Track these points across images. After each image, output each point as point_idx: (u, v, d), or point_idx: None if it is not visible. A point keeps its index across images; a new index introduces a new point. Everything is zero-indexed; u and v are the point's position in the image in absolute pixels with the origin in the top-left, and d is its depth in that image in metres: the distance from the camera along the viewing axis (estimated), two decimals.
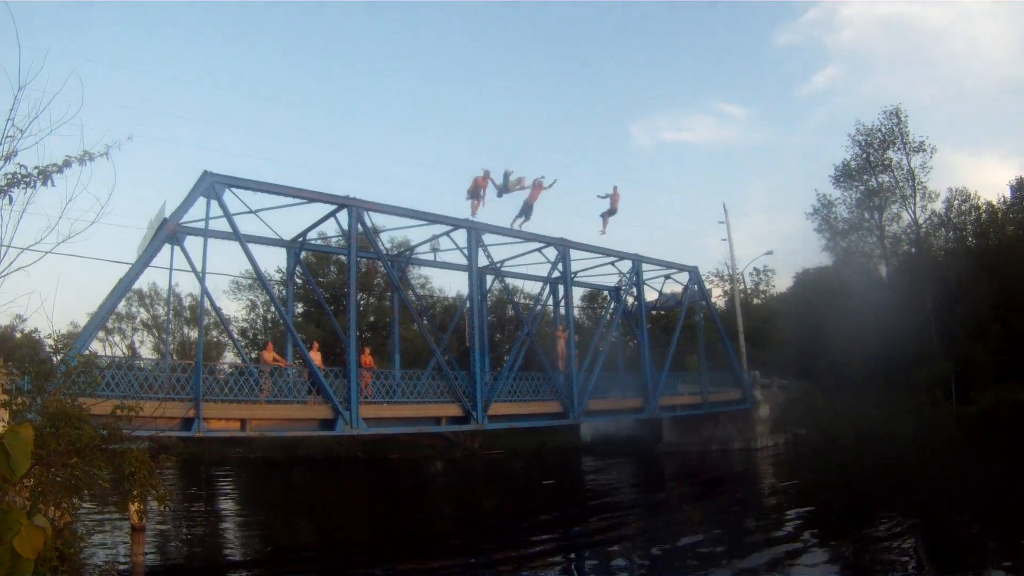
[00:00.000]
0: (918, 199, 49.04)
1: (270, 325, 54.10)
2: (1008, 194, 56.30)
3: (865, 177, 50.49)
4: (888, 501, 21.96)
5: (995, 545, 16.12)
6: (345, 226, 23.86)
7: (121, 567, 14.92)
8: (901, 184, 49.44)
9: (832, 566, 15.44)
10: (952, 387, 42.15)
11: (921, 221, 49.21)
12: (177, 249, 21.28)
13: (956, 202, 50.02)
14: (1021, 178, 56.56)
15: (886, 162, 49.87)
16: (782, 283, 66.85)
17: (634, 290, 34.12)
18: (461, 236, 27.49)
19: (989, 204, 52.08)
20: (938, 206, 50.45)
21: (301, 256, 29.73)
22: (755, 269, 61.20)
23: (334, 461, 41.37)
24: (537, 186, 28.31)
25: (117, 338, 65.27)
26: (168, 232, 20.30)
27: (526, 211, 28.44)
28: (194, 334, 58.87)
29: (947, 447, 34.16)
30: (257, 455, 41.43)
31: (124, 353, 60.57)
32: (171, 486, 28.15)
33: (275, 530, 21.87)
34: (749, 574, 15.12)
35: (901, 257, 51.37)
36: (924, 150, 49.17)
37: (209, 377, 20.12)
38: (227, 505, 26.75)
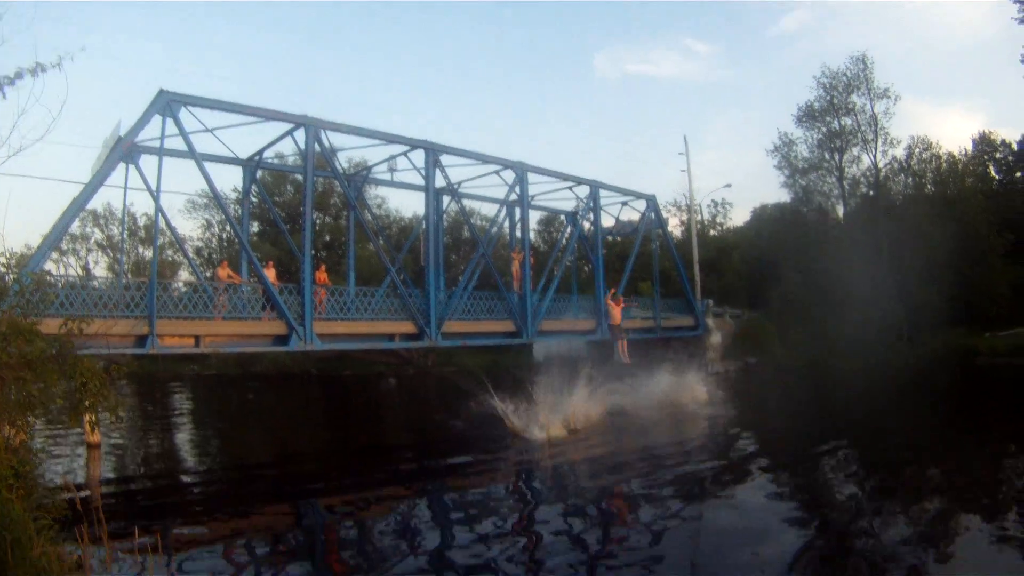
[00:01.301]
0: (879, 144, 49.34)
1: (225, 244, 53.79)
2: (970, 147, 57.40)
3: (828, 119, 50.51)
4: (833, 428, 22.64)
5: (927, 474, 16.82)
6: (302, 145, 23.54)
7: (77, 483, 14.90)
8: (863, 128, 49.59)
9: (770, 484, 15.99)
10: (903, 328, 42.92)
11: (881, 165, 49.58)
12: (132, 168, 20.93)
13: (917, 150, 50.56)
14: (984, 132, 57.68)
15: (850, 106, 49.86)
16: (740, 217, 67.63)
17: (591, 216, 34.17)
18: (419, 157, 27.24)
19: (950, 155, 52.72)
20: (899, 152, 50.99)
21: (257, 175, 29.43)
22: (713, 201, 61.71)
23: (288, 378, 41.52)
24: None
25: (72, 260, 64.58)
26: (123, 150, 19.88)
27: None
28: (149, 254, 58.29)
29: (894, 385, 34.93)
30: (211, 372, 41.48)
31: (79, 274, 59.91)
32: (126, 400, 28.23)
33: (229, 446, 21.99)
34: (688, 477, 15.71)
35: (859, 199, 51.74)
36: (888, 97, 49.37)
37: (163, 294, 19.90)
38: (182, 421, 26.77)
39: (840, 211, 52.45)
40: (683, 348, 41.86)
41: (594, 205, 33.82)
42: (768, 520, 12.46)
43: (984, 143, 57.34)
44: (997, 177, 57.07)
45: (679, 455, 19.01)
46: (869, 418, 24.26)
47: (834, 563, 10.47)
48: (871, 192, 50.24)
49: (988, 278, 46.18)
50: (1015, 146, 56.39)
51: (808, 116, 51.15)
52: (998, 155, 57.37)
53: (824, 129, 50.51)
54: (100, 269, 64.21)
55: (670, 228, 47.42)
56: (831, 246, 48.67)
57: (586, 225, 35.05)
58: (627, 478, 16.40)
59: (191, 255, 39.21)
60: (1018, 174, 56.49)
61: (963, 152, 55.49)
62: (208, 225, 57.29)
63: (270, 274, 23.31)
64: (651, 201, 37.34)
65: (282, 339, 22.12)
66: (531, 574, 10.36)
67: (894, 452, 18.42)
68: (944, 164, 51.26)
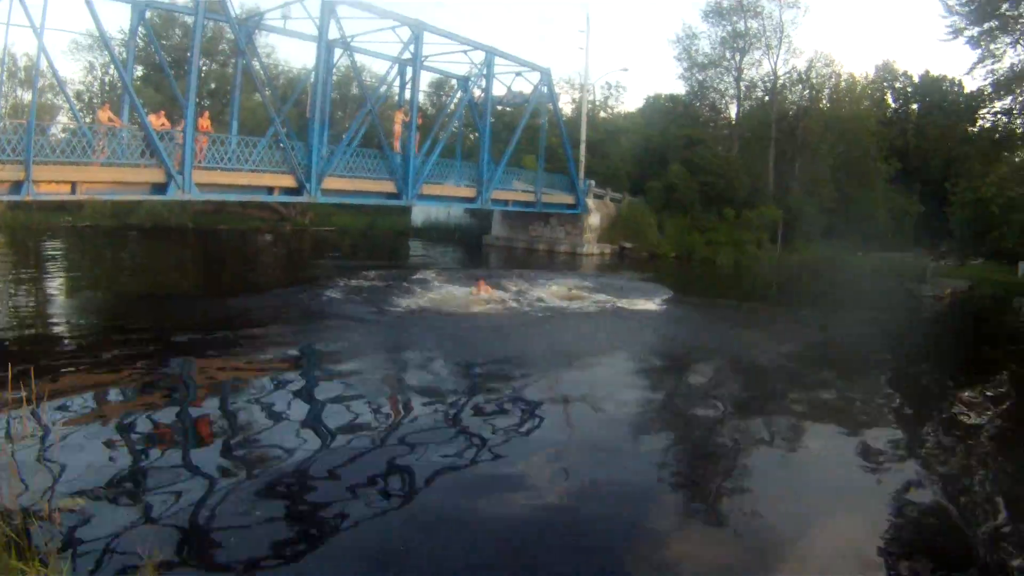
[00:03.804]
0: (782, 51, 49.36)
1: (107, 89, 51.52)
2: (872, 72, 58.54)
3: (735, 19, 49.90)
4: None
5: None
6: None
7: None
8: (768, 34, 49.36)
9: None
10: (779, 233, 44.37)
11: (780, 73, 49.76)
12: (14, 2, 19.58)
13: (818, 64, 50.53)
14: (887, 61, 58.94)
15: (758, 9, 49.31)
16: (633, 103, 67.79)
17: (483, 82, 34.07)
18: (314, 5, 26.53)
19: (850, 75, 53.37)
20: (800, 64, 51.38)
21: (146, 15, 28.25)
22: (607, 83, 61.58)
23: (164, 231, 40.76)
24: None
25: None
26: None
27: None
28: (28, 96, 55.44)
29: (761, 282, 36.65)
30: (86, 224, 40.26)
31: None
32: None
33: (102, 299, 21.65)
34: None
35: (753, 102, 52.33)
36: (798, 7, 49.17)
37: (41, 138, 19.21)
38: (54, 274, 26.11)
39: (733, 111, 53.05)
40: (560, 225, 42.81)
41: (487, 72, 33.66)
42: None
43: (886, 71, 58.50)
44: (893, 106, 58.54)
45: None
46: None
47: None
48: (767, 97, 50.73)
49: (869, 200, 47.73)
50: (915, 78, 57.87)
51: (715, 13, 50.40)
52: (897, 84, 58.69)
53: (729, 28, 50.05)
54: None
55: (561, 106, 47.46)
56: (719, 144, 49.72)
57: (477, 92, 34.93)
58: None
59: (72, 99, 37.51)
60: (914, 106, 58.10)
61: (864, 76, 56.62)
62: (91, 68, 54.87)
63: (161, 122, 22.79)
64: (546, 74, 37.32)
65: (160, 188, 21.74)
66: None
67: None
68: (843, 83, 51.86)
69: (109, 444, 9.41)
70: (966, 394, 15.08)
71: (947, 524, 8.38)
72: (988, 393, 15.51)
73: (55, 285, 23.71)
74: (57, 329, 17.09)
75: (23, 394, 9.47)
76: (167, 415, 10.80)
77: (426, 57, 31.76)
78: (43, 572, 5.04)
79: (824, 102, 50.45)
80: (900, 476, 9.71)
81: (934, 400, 14.62)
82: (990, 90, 42.19)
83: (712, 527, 8.00)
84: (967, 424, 12.78)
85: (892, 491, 9.09)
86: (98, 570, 6.25)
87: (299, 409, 11.54)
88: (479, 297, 21.63)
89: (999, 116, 45.39)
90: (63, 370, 12.74)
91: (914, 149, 53.83)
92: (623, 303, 22.48)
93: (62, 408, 10.50)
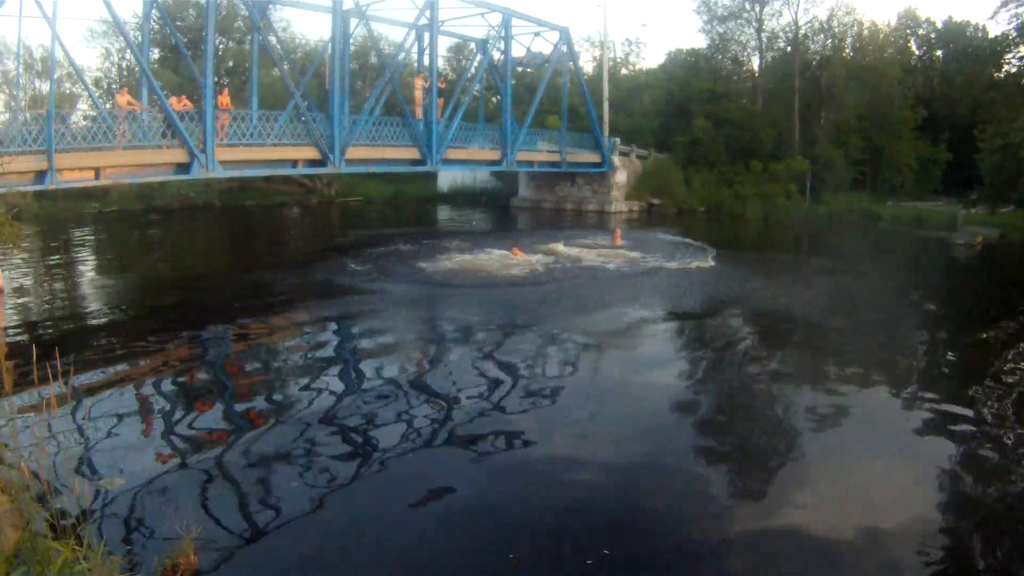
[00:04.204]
0: (802, 0, 48.08)
1: (125, 73, 51.50)
2: (894, 20, 57.24)
3: None
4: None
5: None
6: None
7: None
8: None
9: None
10: (807, 185, 43.66)
11: (801, 22, 48.39)
12: None
13: (839, 12, 49.13)
14: (909, 8, 57.59)
15: None
16: (654, 59, 67.11)
17: (501, 44, 33.77)
18: None
19: (872, 23, 51.95)
20: (821, 13, 50.35)
21: None
22: (627, 39, 60.86)
23: (191, 210, 40.80)
24: None
25: None
26: None
27: None
28: (47, 87, 55.64)
29: (792, 234, 36.27)
30: (113, 209, 40.26)
31: None
32: (27, 238, 27.58)
33: (133, 282, 21.59)
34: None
35: (776, 53, 51.01)
36: None
37: (61, 126, 19.15)
38: (85, 260, 26.11)
39: (756, 63, 51.91)
40: (587, 184, 42.53)
41: (505, 33, 33.37)
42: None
43: (908, 18, 57.16)
44: (917, 53, 57.25)
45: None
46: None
47: None
48: (788, 48, 49.46)
49: (896, 149, 46.95)
50: (939, 24, 56.68)
51: None
52: (921, 31, 57.33)
53: None
54: None
55: (582, 64, 47.07)
56: (743, 97, 48.98)
57: (496, 54, 34.65)
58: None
59: (90, 86, 37.46)
60: (938, 52, 56.90)
61: (886, 24, 55.22)
62: (108, 54, 54.86)
63: (183, 104, 22.74)
64: (564, 33, 36.92)
65: (184, 167, 21.77)
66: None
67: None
68: (865, 31, 50.42)
69: (145, 422, 9.43)
70: (1004, 341, 14.86)
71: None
72: None
73: (85, 270, 23.77)
74: (90, 312, 17.09)
75: (59, 375, 9.43)
76: (203, 391, 10.86)
77: (443, 22, 31.53)
78: (79, 551, 4.95)
79: (847, 51, 49.11)
80: (956, 438, 9.40)
81: (979, 351, 14.25)
82: (1014, 34, 41.42)
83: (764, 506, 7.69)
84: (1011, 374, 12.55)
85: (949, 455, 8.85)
86: (135, 546, 6.23)
87: (335, 379, 11.47)
88: (513, 261, 21.51)
89: None
90: (98, 351, 12.81)
91: (940, 96, 52.69)
92: (661, 262, 22.33)
93: (98, 388, 10.54)
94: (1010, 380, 12.09)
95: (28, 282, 20.26)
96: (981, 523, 7.11)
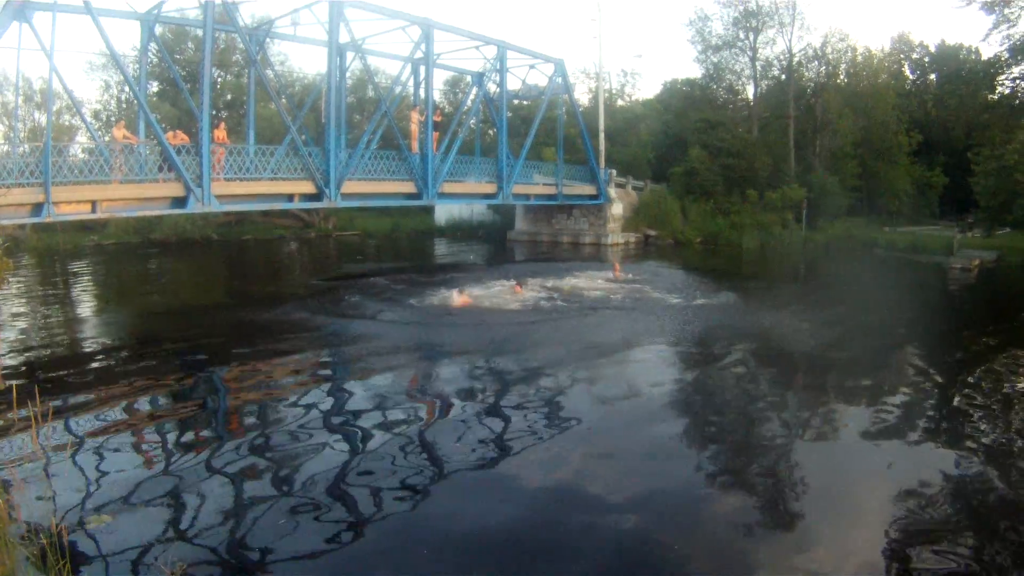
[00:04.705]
0: (795, 28, 48.20)
1: (124, 106, 51.79)
2: (888, 46, 57.83)
3: None
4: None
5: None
6: None
7: None
8: (780, 11, 48.19)
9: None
10: (804, 212, 43.72)
11: (795, 50, 48.74)
12: (26, 27, 19.39)
13: (833, 39, 49.41)
14: (903, 33, 58.18)
15: None
16: (650, 90, 67.57)
17: (497, 77, 33.99)
18: (323, 10, 26.47)
19: (866, 48, 52.62)
20: (815, 40, 50.50)
21: (156, 31, 28.40)
22: (622, 71, 61.28)
23: (188, 244, 40.94)
24: None
25: None
26: (15, 7, 18.76)
27: None
28: (45, 119, 55.88)
29: (789, 263, 36.27)
30: (111, 242, 40.43)
31: None
32: (23, 271, 27.64)
33: (129, 315, 21.62)
34: None
35: (771, 81, 51.51)
36: None
37: (59, 159, 19.25)
38: (82, 292, 26.16)
39: (751, 92, 52.08)
40: (583, 216, 42.66)
41: (501, 66, 33.57)
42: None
43: (902, 43, 57.75)
44: (911, 77, 57.79)
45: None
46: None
47: None
48: (783, 76, 49.87)
49: (892, 174, 47.24)
50: (932, 48, 57.14)
51: None
52: (914, 56, 57.92)
53: (741, 7, 49.03)
54: None
55: (578, 96, 47.38)
56: (738, 125, 49.19)
57: (492, 87, 34.89)
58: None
59: (88, 118, 37.68)
60: (932, 76, 57.32)
61: (880, 50, 55.80)
62: (107, 86, 55.24)
63: (180, 139, 22.91)
64: (559, 65, 37.16)
65: (180, 201, 21.86)
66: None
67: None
68: (859, 57, 51.02)
69: (136, 456, 9.41)
70: (1002, 362, 14.97)
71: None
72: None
73: (82, 302, 23.83)
74: (84, 344, 17.10)
75: (49, 409, 9.42)
76: (194, 426, 10.71)
77: (438, 55, 31.78)
78: None
79: (841, 78, 49.50)
80: (949, 453, 9.49)
81: (974, 370, 14.35)
82: (1007, 55, 41.46)
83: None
84: (1008, 393, 12.64)
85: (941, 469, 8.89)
86: None
87: (330, 413, 11.42)
88: (516, 297, 21.24)
89: (1017, 81, 44.61)
90: (91, 384, 12.78)
91: (935, 120, 53.10)
92: (660, 294, 22.33)
93: (88, 421, 10.52)
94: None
95: (25, 313, 20.32)
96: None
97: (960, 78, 53.48)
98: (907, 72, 57.90)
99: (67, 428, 9.98)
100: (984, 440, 10.15)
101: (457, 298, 20.21)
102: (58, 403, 11.04)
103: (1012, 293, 27.40)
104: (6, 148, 22.08)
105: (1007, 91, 46.94)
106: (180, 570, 5.92)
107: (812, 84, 49.31)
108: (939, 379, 13.76)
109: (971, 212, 43.67)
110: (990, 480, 8.75)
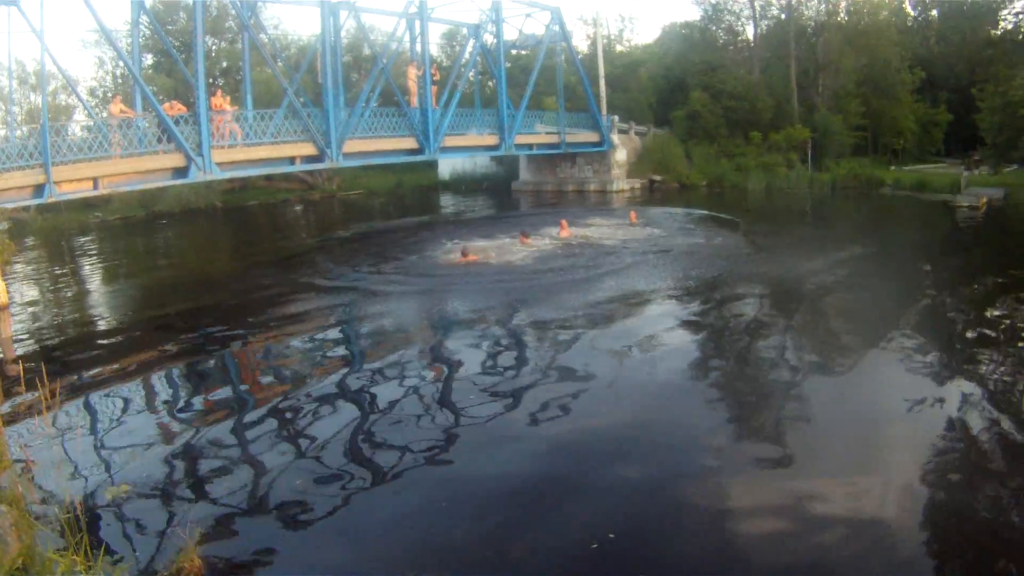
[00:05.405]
0: None
1: (120, 81, 51.45)
2: None
3: None
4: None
5: None
6: None
7: None
8: None
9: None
10: (808, 153, 43.31)
11: None
12: (14, 10, 19.06)
13: None
14: None
15: None
16: (649, 35, 66.89)
17: (494, 28, 33.64)
18: None
19: None
20: None
21: (147, 3, 28.16)
22: (620, 16, 60.50)
23: (193, 213, 40.76)
24: None
25: None
26: None
27: None
28: (41, 100, 55.49)
29: (797, 204, 36.05)
30: (116, 217, 40.27)
31: None
32: (29, 253, 27.60)
33: (139, 289, 21.52)
34: None
35: (770, 21, 50.66)
36: None
37: (57, 139, 19.08)
38: (90, 270, 26.09)
39: (751, 32, 51.33)
40: (587, 164, 42.39)
41: (496, 17, 33.27)
42: None
43: None
44: (912, 14, 56.75)
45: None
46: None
47: None
48: (783, 16, 49.11)
49: (896, 112, 46.62)
50: None
51: None
52: None
53: None
54: None
55: (576, 43, 46.88)
56: (739, 67, 48.62)
57: (489, 38, 34.53)
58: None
59: (85, 96, 37.45)
60: (933, 12, 56.40)
61: None
62: (101, 63, 54.83)
63: (176, 109, 22.69)
64: (555, 13, 36.73)
65: (181, 172, 21.82)
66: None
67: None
68: None
69: (151, 427, 9.40)
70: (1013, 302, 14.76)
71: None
72: None
73: (90, 279, 23.75)
74: (93, 321, 17.07)
75: (58, 385, 9.40)
76: (208, 397, 10.73)
77: (433, 9, 31.48)
78: (79, 561, 4.94)
79: (842, 15, 48.58)
80: (956, 397, 9.32)
81: (986, 312, 14.21)
82: None
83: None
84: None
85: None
86: (140, 554, 6.21)
87: (344, 377, 11.35)
88: (523, 247, 20.98)
89: (1020, 16, 44.12)
90: (101, 358, 12.87)
91: (938, 57, 52.38)
92: (672, 236, 22.16)
93: (102, 394, 10.57)
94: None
95: (33, 294, 20.28)
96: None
97: (962, 13, 52.81)
98: (908, 8, 56.79)
99: (80, 403, 10.03)
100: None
101: (461, 256, 19.80)
102: (73, 378, 11.08)
103: (1021, 228, 27.20)
104: (3, 132, 21.99)
105: (1010, 26, 46.53)
106: (198, 538, 5.90)
107: (812, 23, 48.56)
108: (956, 319, 13.72)
109: (977, 149, 43.18)
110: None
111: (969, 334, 12.64)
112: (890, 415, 8.79)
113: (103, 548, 5.71)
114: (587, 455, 7.94)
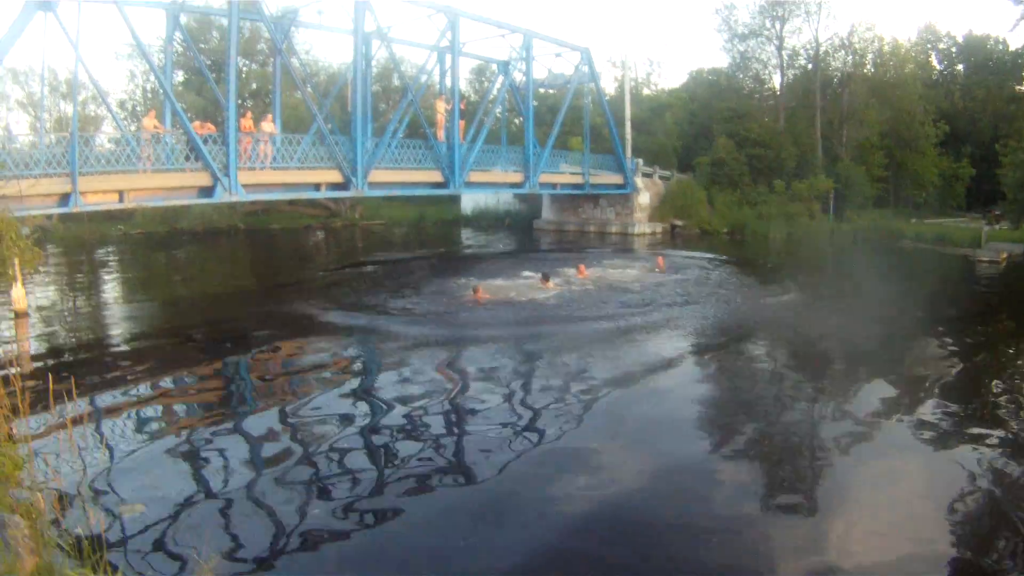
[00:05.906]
0: (822, 17, 47.46)
1: (149, 96, 51.93)
2: (914, 36, 57.10)
3: None
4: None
5: None
6: None
7: (6, 351, 14.49)
8: (807, 0, 47.57)
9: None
10: (831, 203, 43.34)
11: (822, 40, 48.04)
12: (51, 17, 19.02)
13: (860, 28, 48.48)
14: (929, 23, 57.44)
15: None
16: (676, 79, 67.14)
17: (523, 65, 33.86)
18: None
19: (893, 39, 51.79)
20: (842, 28, 49.86)
21: (182, 20, 28.40)
22: (648, 60, 60.86)
23: (215, 233, 41.04)
24: None
25: None
26: None
27: None
28: (71, 109, 55.97)
29: (817, 255, 35.79)
30: (138, 231, 40.58)
31: None
32: (50, 261, 27.78)
33: (156, 304, 21.62)
34: None
35: (797, 71, 51.01)
36: None
37: (86, 149, 19.22)
38: (110, 282, 26.24)
39: (777, 81, 51.74)
40: (610, 206, 42.49)
41: (527, 54, 33.47)
42: None
43: (928, 33, 56.98)
44: (938, 68, 57.12)
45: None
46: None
47: None
48: (809, 66, 49.34)
49: (919, 165, 46.80)
50: (959, 39, 56.45)
51: None
52: (941, 46, 57.21)
53: None
54: (21, 129, 61.65)
55: (603, 85, 47.02)
56: (764, 114, 48.82)
57: (518, 76, 34.74)
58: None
59: (114, 108, 37.77)
60: (959, 67, 56.67)
61: (907, 40, 55.11)
62: (132, 76, 55.38)
63: (206, 128, 22.91)
64: (585, 53, 37.02)
65: (207, 191, 21.92)
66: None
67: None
68: (886, 47, 50.11)
69: (167, 444, 9.41)
70: None
71: None
72: None
73: (110, 291, 23.89)
74: (112, 334, 17.12)
75: (73, 389, 9.42)
76: (226, 416, 10.73)
77: (464, 43, 31.63)
78: None
79: (868, 67, 48.80)
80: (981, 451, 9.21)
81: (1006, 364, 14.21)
82: None
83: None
84: None
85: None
86: (154, 573, 6.20)
87: (359, 406, 11.38)
88: (546, 288, 20.42)
89: None
90: (120, 373, 12.85)
91: (962, 111, 52.57)
92: (702, 285, 22.16)
93: (119, 410, 10.56)
94: None
95: (53, 303, 20.38)
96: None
97: (987, 69, 53.11)
98: (934, 62, 57.18)
99: (98, 418, 10.03)
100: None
101: (473, 293, 19.46)
102: (92, 393, 11.09)
103: None
104: (33, 139, 22.14)
105: None
106: (213, 561, 5.89)
107: (839, 74, 48.74)
108: (972, 370, 13.64)
109: (998, 204, 43.14)
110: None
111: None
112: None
113: (119, 569, 5.70)
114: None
